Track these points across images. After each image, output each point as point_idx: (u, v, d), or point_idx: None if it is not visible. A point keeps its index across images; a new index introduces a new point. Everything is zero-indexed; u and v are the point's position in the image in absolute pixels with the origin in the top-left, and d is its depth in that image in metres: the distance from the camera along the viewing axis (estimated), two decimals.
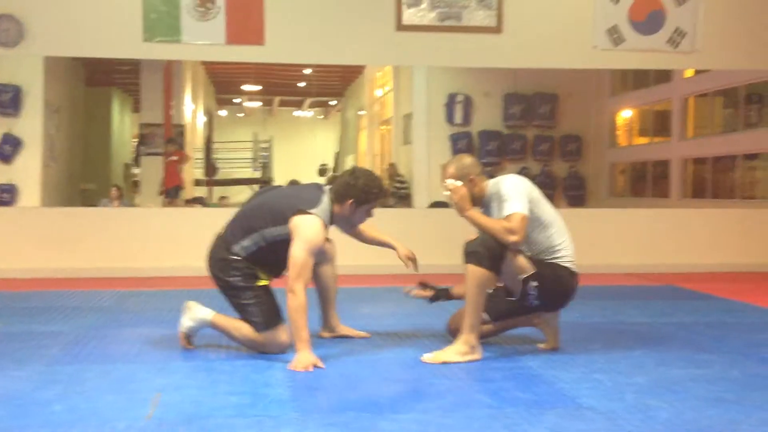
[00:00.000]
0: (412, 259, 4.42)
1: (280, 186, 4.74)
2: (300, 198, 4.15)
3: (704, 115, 16.56)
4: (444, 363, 3.97)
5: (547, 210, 4.21)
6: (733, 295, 6.81)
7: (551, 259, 4.17)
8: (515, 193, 4.06)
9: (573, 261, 4.23)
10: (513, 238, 3.95)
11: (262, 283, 4.20)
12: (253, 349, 4.20)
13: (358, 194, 4.13)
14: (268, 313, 4.14)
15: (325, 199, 4.15)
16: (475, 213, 4.06)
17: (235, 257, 4.17)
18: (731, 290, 7.16)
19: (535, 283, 4.06)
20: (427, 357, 4.03)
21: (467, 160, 4.28)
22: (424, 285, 4.58)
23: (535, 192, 4.20)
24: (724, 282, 7.88)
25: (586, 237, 8.86)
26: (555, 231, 4.18)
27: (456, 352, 4.02)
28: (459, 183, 4.11)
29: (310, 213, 4.04)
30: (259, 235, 4.13)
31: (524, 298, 4.11)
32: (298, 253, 3.96)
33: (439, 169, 14.07)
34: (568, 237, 4.26)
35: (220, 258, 4.22)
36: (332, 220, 4.22)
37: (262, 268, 4.20)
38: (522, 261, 4.06)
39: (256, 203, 4.34)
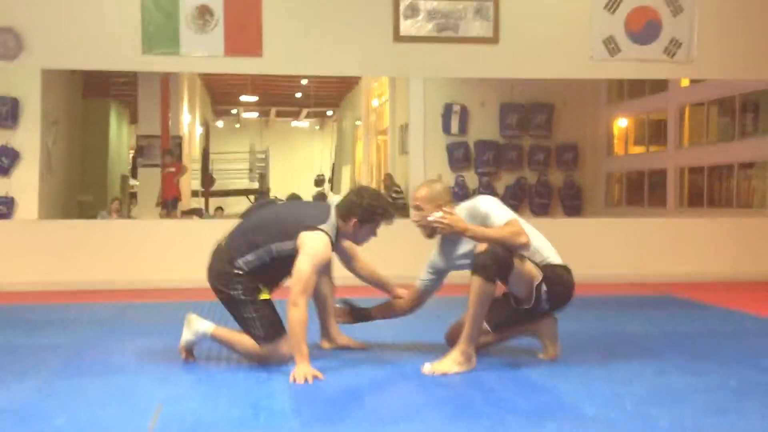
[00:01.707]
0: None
1: (283, 201, 4.75)
2: (308, 215, 4.18)
3: (700, 124, 16.63)
4: (443, 374, 3.98)
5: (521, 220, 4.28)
6: (730, 304, 6.84)
7: (542, 262, 4.22)
8: (497, 206, 4.16)
9: (559, 257, 4.31)
10: (523, 240, 4.01)
11: (264, 296, 4.21)
12: (254, 362, 4.21)
13: (362, 213, 4.16)
14: (269, 326, 4.16)
15: (333, 216, 4.18)
16: (477, 227, 4.07)
17: (238, 271, 4.18)
18: (728, 299, 7.18)
19: (544, 288, 4.11)
20: (427, 368, 4.04)
21: (438, 186, 4.35)
22: (345, 303, 4.66)
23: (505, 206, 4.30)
24: (721, 291, 7.91)
25: (583, 247, 8.91)
26: (534, 236, 4.22)
27: (454, 362, 4.04)
28: (439, 214, 4.11)
29: (318, 229, 4.07)
30: (264, 251, 4.14)
31: (537, 304, 4.15)
32: (304, 267, 3.97)
33: (435, 178, 14.09)
34: (543, 239, 4.34)
35: (222, 271, 4.24)
36: (338, 237, 4.23)
37: (263, 281, 4.21)
38: (531, 268, 4.10)
39: (261, 218, 4.34)
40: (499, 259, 3.95)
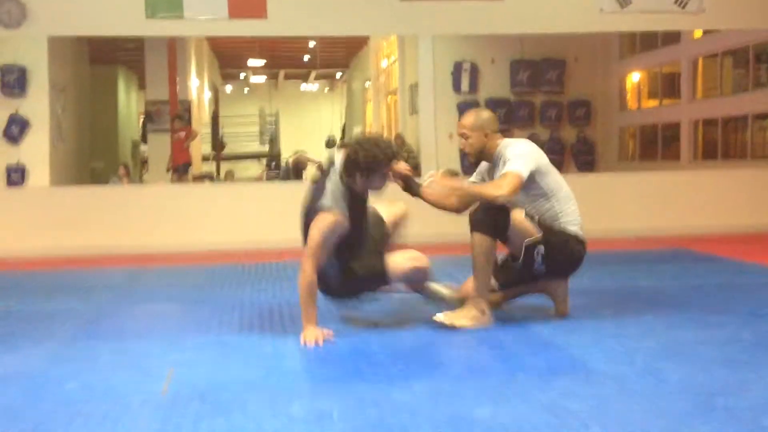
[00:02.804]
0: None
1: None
2: (313, 205, 4.10)
3: (714, 76, 16.39)
4: (454, 327, 3.98)
5: (552, 179, 4.21)
6: (743, 257, 6.80)
7: (558, 225, 4.16)
8: (518, 157, 4.10)
9: (580, 228, 4.23)
10: (498, 193, 3.97)
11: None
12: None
13: (361, 167, 4.10)
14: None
15: (331, 187, 4.08)
16: (463, 184, 4.08)
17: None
18: (743, 252, 7.14)
19: (541, 249, 4.06)
20: (439, 317, 4.05)
21: (485, 114, 4.34)
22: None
23: (543, 160, 4.21)
24: (734, 243, 7.86)
25: (596, 202, 8.85)
26: (559, 199, 4.18)
27: (466, 316, 4.04)
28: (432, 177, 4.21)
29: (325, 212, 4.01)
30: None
31: (530, 264, 4.11)
32: (314, 234, 3.95)
33: (447, 138, 14.02)
34: (574, 205, 4.25)
35: None
36: (356, 196, 4.14)
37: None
38: (527, 226, 4.06)
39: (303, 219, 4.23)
40: (493, 215, 3.99)
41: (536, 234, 4.06)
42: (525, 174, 4.03)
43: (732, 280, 5.69)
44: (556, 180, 4.23)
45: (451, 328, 3.99)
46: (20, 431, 2.69)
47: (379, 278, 4.11)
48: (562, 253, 4.15)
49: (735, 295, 5.02)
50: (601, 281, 5.61)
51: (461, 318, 4.04)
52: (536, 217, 4.13)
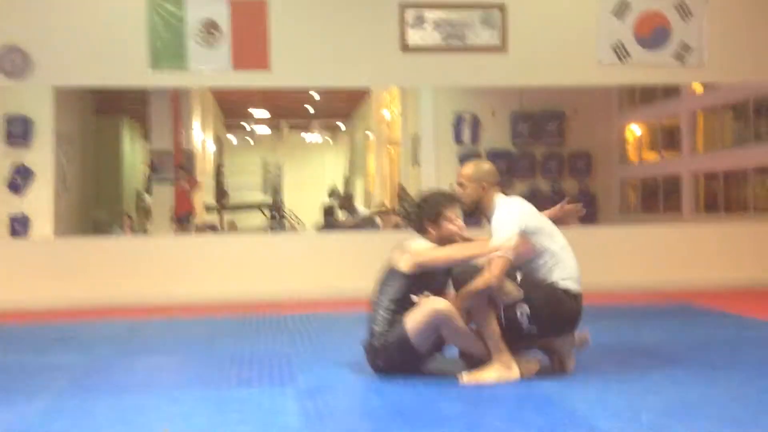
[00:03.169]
0: None
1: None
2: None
3: (714, 129, 16.49)
4: (479, 383, 3.94)
5: (543, 236, 4.16)
6: (748, 312, 6.73)
7: (549, 281, 4.12)
8: (503, 224, 4.08)
9: (573, 282, 4.17)
10: (491, 281, 3.95)
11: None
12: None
13: (428, 218, 4.22)
14: None
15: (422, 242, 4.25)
16: (463, 293, 4.08)
17: None
18: (747, 307, 7.08)
19: (525, 309, 4.01)
20: (466, 377, 3.99)
21: (486, 166, 4.36)
22: None
23: (531, 220, 4.19)
24: (738, 298, 7.79)
25: (598, 255, 8.82)
26: (553, 254, 4.14)
27: (494, 372, 3.99)
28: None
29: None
30: None
31: (516, 325, 4.04)
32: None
33: (448, 189, 13.96)
34: (571, 258, 4.20)
35: None
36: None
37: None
38: (508, 287, 4.02)
39: None
40: (471, 276, 4.02)
41: (516, 293, 4.02)
42: (509, 250, 3.97)
43: (737, 336, 5.63)
44: (549, 235, 4.20)
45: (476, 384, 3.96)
46: None
47: (405, 345, 4.06)
48: (549, 310, 4.07)
49: (740, 351, 4.96)
50: (604, 336, 5.54)
51: (487, 373, 3.99)
52: (518, 277, 4.08)
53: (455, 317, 4.00)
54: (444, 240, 4.24)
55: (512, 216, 4.12)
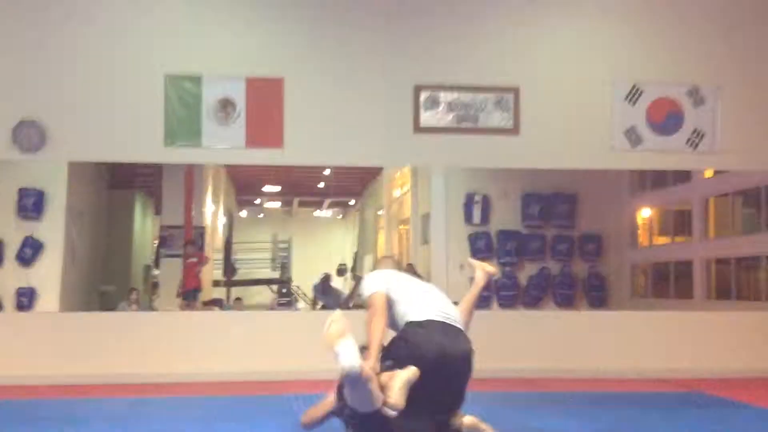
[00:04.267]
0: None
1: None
2: None
3: (725, 215, 16.43)
4: None
5: (392, 292, 4.32)
6: (763, 403, 6.54)
7: (402, 327, 4.22)
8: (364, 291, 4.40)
9: (415, 315, 4.19)
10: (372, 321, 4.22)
11: None
12: None
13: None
14: None
15: None
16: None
17: None
18: (762, 397, 6.89)
19: (389, 362, 4.05)
20: None
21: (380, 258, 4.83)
22: None
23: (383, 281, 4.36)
24: (753, 388, 7.59)
25: (609, 340, 8.67)
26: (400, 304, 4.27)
27: None
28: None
29: None
30: None
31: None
32: None
33: (458, 269, 13.87)
34: (417, 301, 4.28)
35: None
36: None
37: None
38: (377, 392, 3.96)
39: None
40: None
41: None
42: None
43: (750, 427, 5.46)
44: (398, 289, 4.36)
45: None
46: None
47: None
48: (408, 349, 4.07)
49: None
50: (616, 426, 5.39)
51: None
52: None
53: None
54: None
55: (363, 286, 4.42)
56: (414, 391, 3.89)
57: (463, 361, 4.10)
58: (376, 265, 4.80)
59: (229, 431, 5.19)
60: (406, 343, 4.09)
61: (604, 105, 8.74)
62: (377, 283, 4.36)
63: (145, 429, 5.36)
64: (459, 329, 4.20)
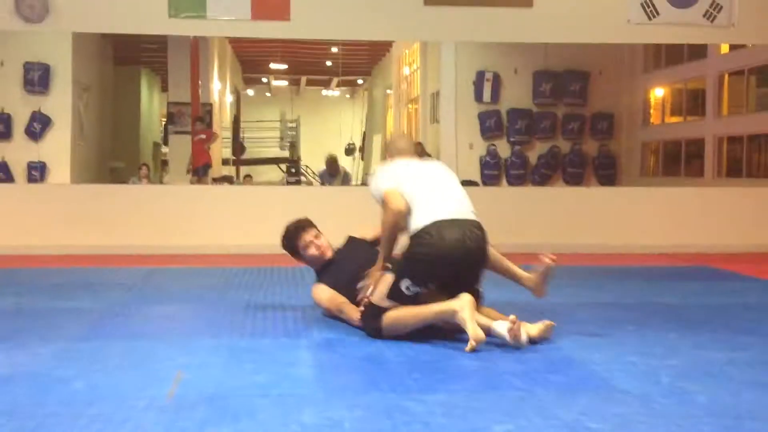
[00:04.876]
0: None
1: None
2: None
3: (739, 93, 16.19)
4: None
5: (405, 186, 4.07)
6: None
7: (413, 235, 3.99)
8: (374, 189, 4.21)
9: (428, 218, 3.94)
10: (391, 219, 4.04)
11: None
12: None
13: (291, 253, 4.75)
14: None
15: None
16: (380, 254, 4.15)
17: None
18: (766, 271, 6.97)
19: (404, 283, 3.90)
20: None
21: (391, 140, 4.58)
22: None
23: (393, 177, 4.15)
24: (760, 262, 7.69)
25: (618, 216, 8.73)
26: (411, 202, 4.01)
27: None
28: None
29: None
30: None
31: (407, 296, 3.91)
32: None
33: (467, 147, 13.92)
34: (429, 199, 4.03)
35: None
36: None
37: None
38: (382, 289, 3.98)
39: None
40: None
41: (384, 289, 3.97)
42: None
43: (758, 301, 5.54)
44: (410, 181, 4.10)
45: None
46: (22, 430, 2.61)
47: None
48: (415, 265, 3.93)
49: (762, 316, 4.87)
50: (623, 297, 5.48)
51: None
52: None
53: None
54: (316, 260, 4.61)
55: (373, 184, 4.20)
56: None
57: (478, 254, 3.99)
58: (388, 146, 4.52)
59: (244, 298, 5.29)
60: (420, 259, 3.93)
61: None
62: (388, 180, 4.12)
63: (163, 296, 5.48)
64: (468, 221, 4.00)
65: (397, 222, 4.00)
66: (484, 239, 4.04)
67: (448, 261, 3.90)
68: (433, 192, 4.10)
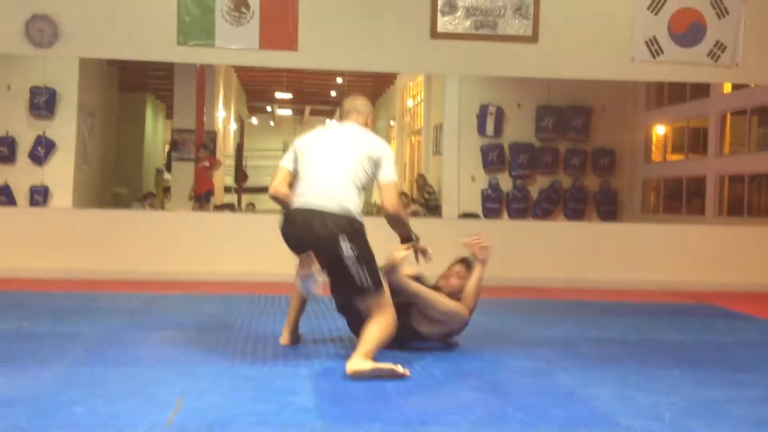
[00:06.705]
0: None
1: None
2: None
3: (741, 132, 16.26)
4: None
5: (304, 159, 4.25)
6: None
7: None
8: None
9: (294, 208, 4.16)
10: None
11: None
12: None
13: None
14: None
15: None
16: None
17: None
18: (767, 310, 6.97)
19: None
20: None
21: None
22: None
23: (301, 149, 4.28)
24: (761, 302, 7.67)
25: (620, 252, 8.73)
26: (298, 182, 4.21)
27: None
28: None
29: None
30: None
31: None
32: None
33: (469, 180, 13.93)
34: (305, 178, 4.17)
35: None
36: None
37: None
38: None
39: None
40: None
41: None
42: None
43: (759, 339, 5.53)
44: (301, 157, 4.25)
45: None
46: None
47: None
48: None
49: (762, 354, 4.87)
50: (625, 333, 5.47)
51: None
52: None
53: None
54: None
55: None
56: None
57: (319, 243, 4.03)
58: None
59: (245, 326, 5.28)
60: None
61: (626, 14, 8.54)
62: (288, 154, 4.34)
63: (163, 322, 5.46)
64: (317, 212, 4.02)
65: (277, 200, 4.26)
66: (328, 230, 4.02)
67: (292, 244, 4.20)
68: (311, 170, 4.17)
